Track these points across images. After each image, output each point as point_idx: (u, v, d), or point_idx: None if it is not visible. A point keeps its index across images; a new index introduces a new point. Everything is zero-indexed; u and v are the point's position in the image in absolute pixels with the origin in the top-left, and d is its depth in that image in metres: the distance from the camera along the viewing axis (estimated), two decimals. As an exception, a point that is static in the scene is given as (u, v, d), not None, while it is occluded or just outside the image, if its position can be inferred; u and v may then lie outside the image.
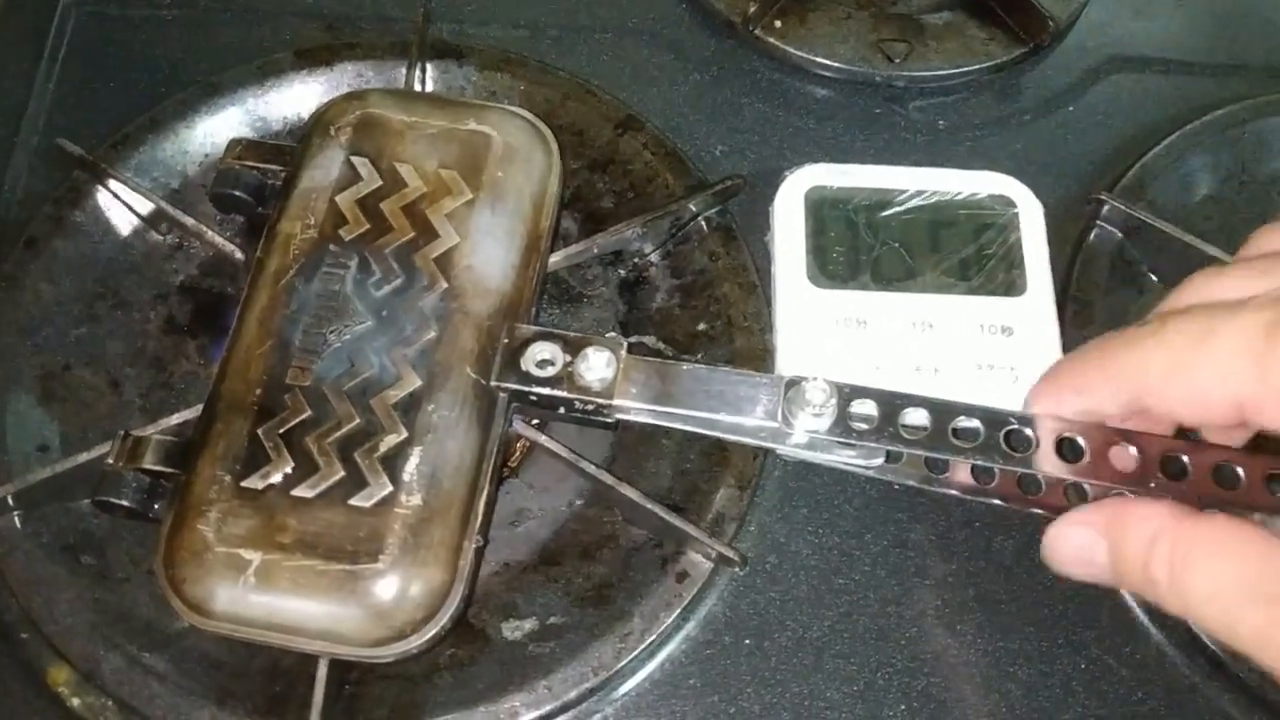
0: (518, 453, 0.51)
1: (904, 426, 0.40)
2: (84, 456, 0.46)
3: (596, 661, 0.45)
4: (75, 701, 0.45)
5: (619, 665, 0.45)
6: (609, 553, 0.48)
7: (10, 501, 0.46)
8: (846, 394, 0.41)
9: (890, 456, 0.43)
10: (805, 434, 0.40)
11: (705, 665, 0.46)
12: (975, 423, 0.39)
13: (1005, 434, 0.38)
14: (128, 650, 0.45)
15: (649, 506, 0.46)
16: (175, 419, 0.46)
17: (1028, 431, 0.38)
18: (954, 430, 0.39)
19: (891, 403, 0.40)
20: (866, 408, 0.40)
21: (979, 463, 0.39)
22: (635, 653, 0.45)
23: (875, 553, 0.48)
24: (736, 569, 0.47)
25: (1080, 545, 0.36)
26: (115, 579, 0.47)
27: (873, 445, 0.40)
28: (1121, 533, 0.35)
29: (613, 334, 0.53)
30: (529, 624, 0.47)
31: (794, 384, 0.41)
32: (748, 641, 0.47)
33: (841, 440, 0.40)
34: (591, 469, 0.47)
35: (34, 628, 0.45)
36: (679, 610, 0.46)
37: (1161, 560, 0.33)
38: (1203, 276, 0.37)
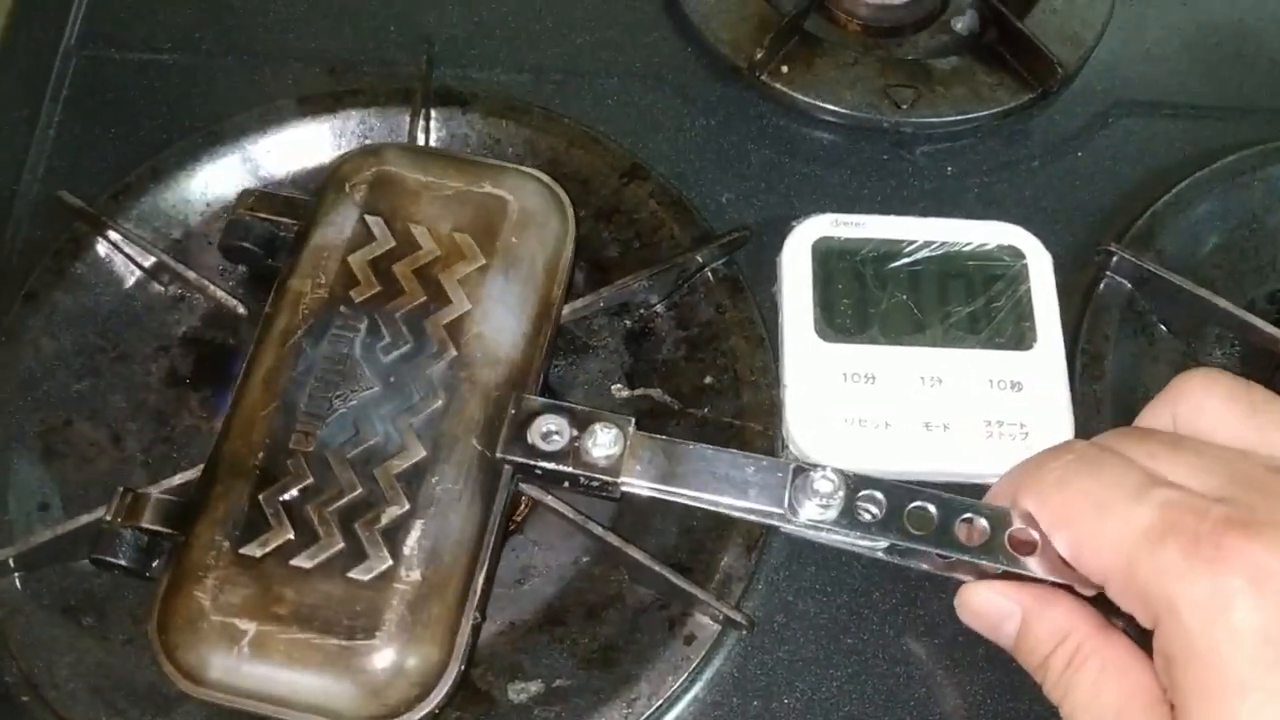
0: (524, 508, 0.50)
1: (910, 521, 0.40)
2: (85, 518, 0.45)
3: (603, 727, 0.44)
4: (76, 766, 0.44)
5: (626, 731, 0.44)
6: (615, 613, 0.47)
7: (11, 564, 0.46)
8: (854, 485, 0.40)
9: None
10: (810, 522, 0.40)
11: (713, 728, 0.46)
12: (981, 522, 0.39)
13: (1008, 535, 0.38)
14: (129, 715, 0.45)
15: (655, 568, 0.46)
16: (178, 479, 0.46)
17: (1033, 534, 0.38)
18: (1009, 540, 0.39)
19: (899, 496, 0.40)
20: (875, 498, 0.40)
21: (981, 562, 0.39)
22: (643, 718, 0.45)
23: (884, 611, 0.48)
24: (744, 631, 0.47)
25: (996, 609, 0.40)
26: (116, 641, 0.46)
27: (877, 539, 0.40)
28: (1039, 616, 0.38)
29: (618, 384, 0.52)
30: (534, 686, 0.46)
31: (802, 472, 0.41)
32: (756, 703, 0.46)
33: (846, 531, 0.40)
34: (598, 529, 0.46)
35: (34, 691, 0.45)
36: (686, 673, 0.45)
37: (1063, 655, 0.37)
38: (1121, 439, 0.38)
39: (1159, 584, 0.33)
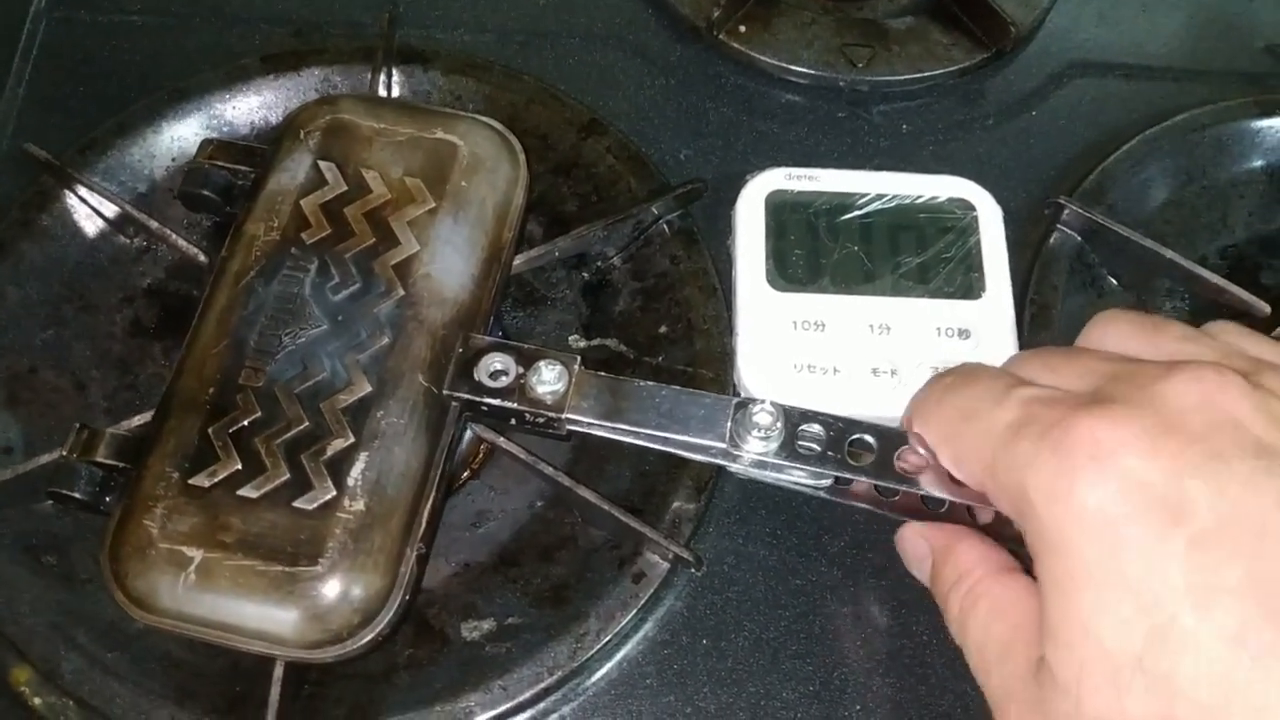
0: (479, 455, 0.51)
1: (851, 453, 0.40)
2: (46, 458, 0.46)
3: (552, 661, 0.45)
4: (36, 701, 0.45)
5: (574, 665, 0.45)
6: (567, 554, 0.48)
7: (-28, 503, 0.47)
8: (795, 418, 0.41)
9: (839, 480, 0.43)
10: (752, 456, 0.41)
11: (662, 665, 0.47)
12: (922, 451, 0.39)
13: (897, 455, 0.39)
14: (89, 650, 0.45)
15: (605, 508, 0.46)
16: (136, 420, 0.47)
17: (920, 451, 0.39)
18: (899, 458, 0.40)
19: (839, 428, 0.41)
20: (815, 432, 0.41)
21: (922, 493, 0.40)
22: (591, 652, 0.45)
23: (832, 554, 0.49)
24: (694, 570, 0.48)
25: (916, 553, 0.41)
26: (77, 580, 0.47)
27: (818, 470, 0.41)
28: (942, 560, 0.40)
29: (574, 335, 0.53)
30: (487, 624, 0.47)
31: (743, 406, 0.41)
32: (705, 641, 0.47)
33: (788, 464, 0.41)
34: (550, 471, 0.47)
35: (-5, 627, 0.46)
36: (635, 610, 0.46)
37: (957, 598, 0.38)
38: (1022, 357, 0.39)
39: (1015, 477, 0.33)
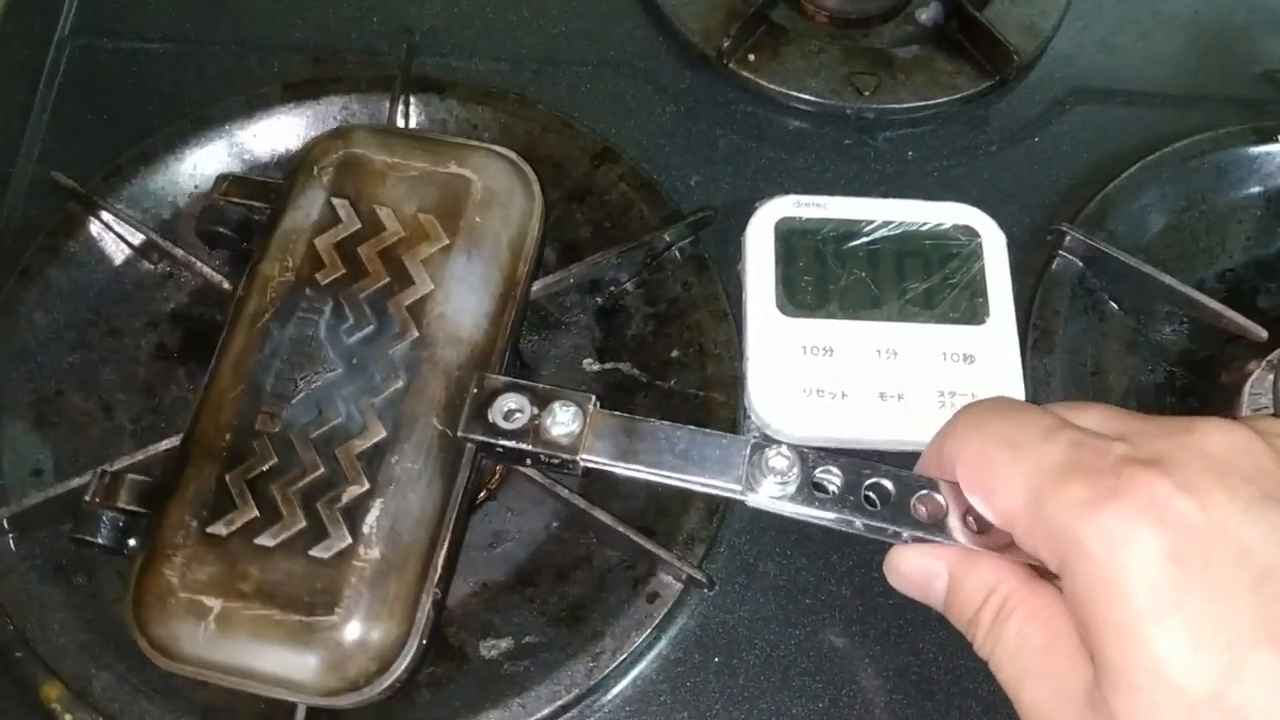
0: (496, 476, 0.52)
1: (867, 498, 0.40)
2: (76, 481, 0.47)
3: (569, 680, 0.46)
4: (67, 718, 0.46)
5: (591, 683, 0.46)
6: (583, 574, 0.50)
7: (5, 525, 0.48)
8: (811, 462, 0.41)
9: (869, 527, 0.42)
10: (768, 499, 0.41)
11: (675, 683, 0.48)
12: (940, 498, 0.40)
13: (965, 511, 0.39)
14: (118, 668, 0.47)
15: (620, 529, 0.48)
16: (164, 445, 0.48)
17: (939, 498, 0.39)
18: (916, 501, 0.40)
19: (856, 473, 0.41)
20: (832, 475, 0.41)
21: (939, 540, 0.39)
22: (607, 671, 0.47)
23: (841, 573, 0.50)
24: (706, 590, 0.49)
25: (923, 569, 0.40)
26: (106, 599, 0.49)
27: (834, 515, 0.41)
28: (967, 572, 0.39)
29: (588, 359, 0.55)
30: (505, 643, 0.48)
31: (759, 449, 0.41)
32: (717, 659, 0.48)
33: (804, 507, 0.41)
34: (565, 493, 0.49)
35: (27, 646, 0.47)
36: (650, 629, 0.47)
37: (991, 608, 0.38)
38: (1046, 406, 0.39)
39: (1064, 520, 0.34)
